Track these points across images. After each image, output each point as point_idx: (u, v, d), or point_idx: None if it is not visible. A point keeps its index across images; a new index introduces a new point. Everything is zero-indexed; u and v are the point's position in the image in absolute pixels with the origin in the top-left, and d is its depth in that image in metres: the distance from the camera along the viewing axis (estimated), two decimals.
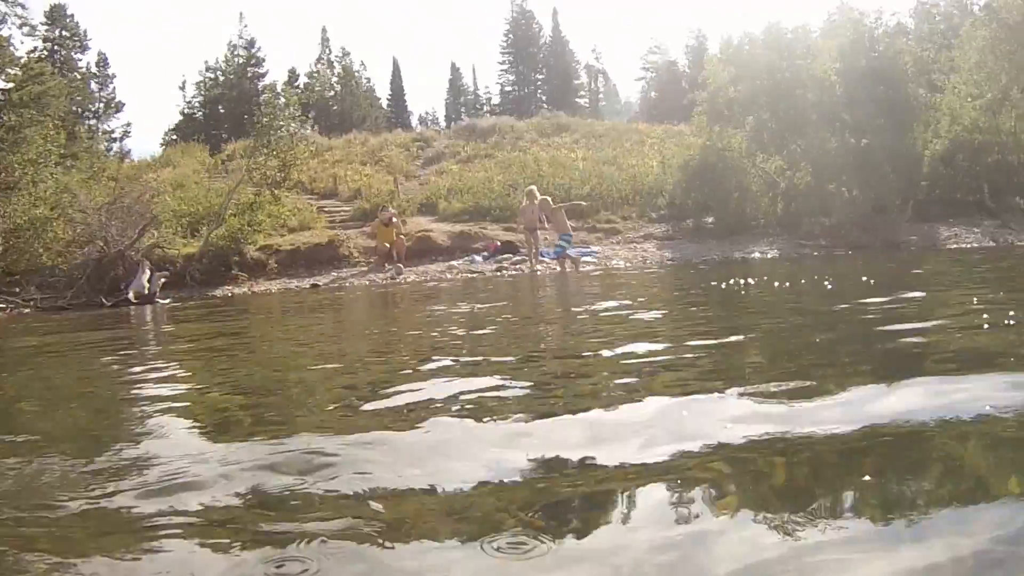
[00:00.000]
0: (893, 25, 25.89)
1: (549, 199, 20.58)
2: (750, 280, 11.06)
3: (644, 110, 68.09)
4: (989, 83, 25.57)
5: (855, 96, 23.96)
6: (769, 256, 21.57)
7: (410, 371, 5.21)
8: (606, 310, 8.84)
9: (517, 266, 21.10)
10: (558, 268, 19.61)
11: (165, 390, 4.98)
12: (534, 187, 21.49)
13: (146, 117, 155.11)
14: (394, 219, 22.74)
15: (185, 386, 5.29)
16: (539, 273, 19.72)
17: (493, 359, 5.39)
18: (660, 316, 8.19)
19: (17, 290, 20.54)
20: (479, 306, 10.62)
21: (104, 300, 18.37)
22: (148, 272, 18.77)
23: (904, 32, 25.05)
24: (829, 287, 9.97)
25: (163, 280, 18.89)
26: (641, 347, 5.29)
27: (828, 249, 21.95)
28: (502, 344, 6.55)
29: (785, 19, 25.94)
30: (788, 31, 25.71)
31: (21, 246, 21.75)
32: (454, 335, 7.48)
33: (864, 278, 10.40)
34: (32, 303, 19.91)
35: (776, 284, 10.64)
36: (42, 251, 21.50)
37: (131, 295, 18.07)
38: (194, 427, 3.85)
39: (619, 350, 5.32)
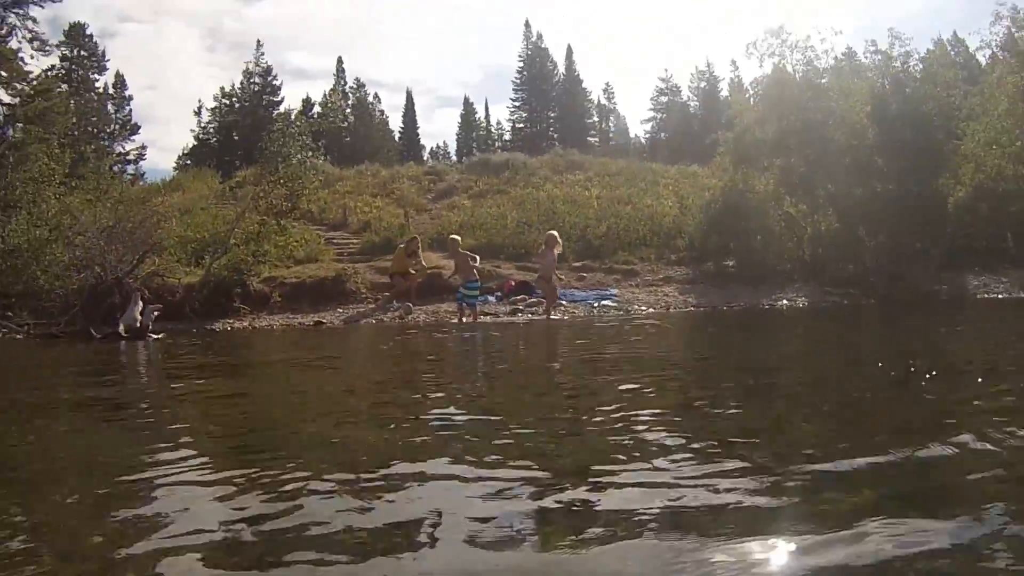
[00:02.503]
0: (921, 70, 24.68)
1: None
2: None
3: (657, 150, 66.75)
4: (1018, 130, 24.27)
5: (886, 140, 22.65)
6: (798, 304, 20.10)
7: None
8: None
9: (532, 308, 19.51)
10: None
11: None
12: (555, 232, 19.56)
13: (170, 140, 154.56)
14: (419, 251, 21.11)
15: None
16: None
17: None
18: None
19: (10, 314, 19.26)
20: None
21: (94, 332, 16.82)
22: (140, 304, 17.20)
23: (932, 78, 23.74)
24: None
25: (156, 314, 17.30)
26: None
27: (856, 298, 20.52)
28: None
29: (818, 56, 24.44)
30: (822, 70, 24.52)
31: (18, 267, 20.68)
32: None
33: None
34: (25, 328, 18.63)
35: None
36: (39, 274, 20.33)
37: (121, 328, 16.51)
38: None
39: None
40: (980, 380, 6.38)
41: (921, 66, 24.85)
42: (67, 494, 3.63)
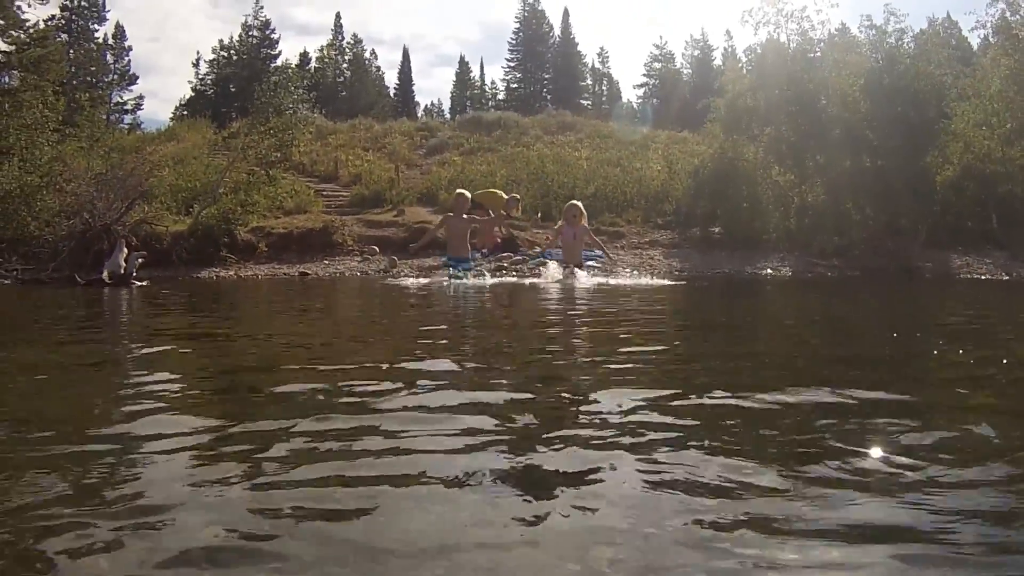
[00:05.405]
0: (916, 46, 24.22)
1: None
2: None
3: (650, 116, 66.11)
4: (1008, 112, 23.87)
5: (878, 115, 22.28)
6: (782, 274, 19.76)
7: None
8: None
9: (518, 266, 19.00)
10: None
11: None
12: (577, 202, 17.12)
13: (170, 91, 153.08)
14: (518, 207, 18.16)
15: None
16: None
17: None
18: None
19: (0, 259, 19.02)
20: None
21: (78, 278, 16.55)
22: (125, 251, 16.89)
23: (926, 56, 23.25)
24: None
25: (140, 261, 16.99)
26: None
27: (841, 270, 20.22)
28: None
29: (813, 27, 23.95)
30: (816, 41, 24.09)
31: (9, 213, 20.48)
32: None
33: None
34: (14, 274, 18.38)
35: None
36: (30, 220, 20.13)
37: (105, 275, 16.19)
38: None
39: None
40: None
41: (914, 44, 24.40)
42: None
